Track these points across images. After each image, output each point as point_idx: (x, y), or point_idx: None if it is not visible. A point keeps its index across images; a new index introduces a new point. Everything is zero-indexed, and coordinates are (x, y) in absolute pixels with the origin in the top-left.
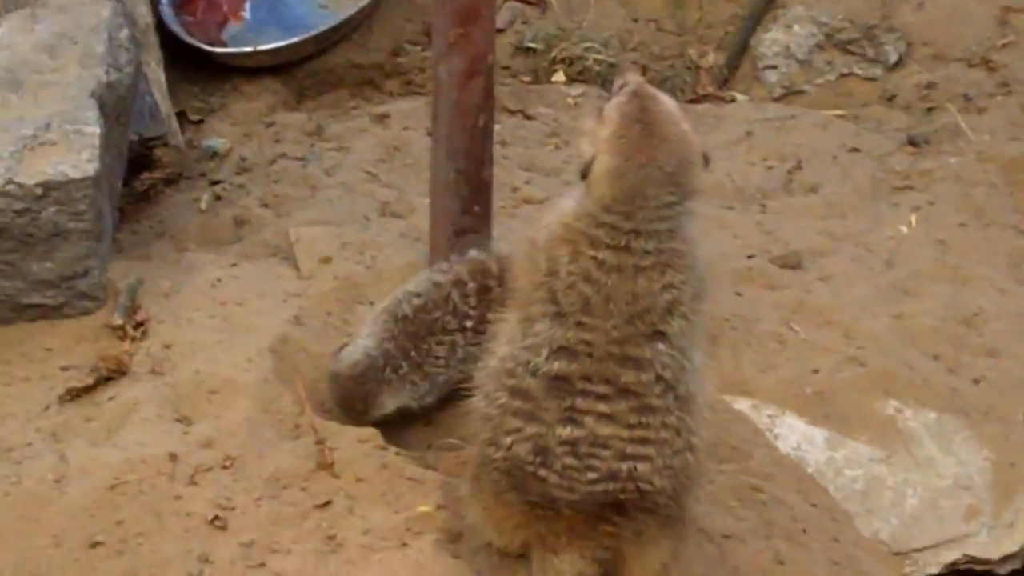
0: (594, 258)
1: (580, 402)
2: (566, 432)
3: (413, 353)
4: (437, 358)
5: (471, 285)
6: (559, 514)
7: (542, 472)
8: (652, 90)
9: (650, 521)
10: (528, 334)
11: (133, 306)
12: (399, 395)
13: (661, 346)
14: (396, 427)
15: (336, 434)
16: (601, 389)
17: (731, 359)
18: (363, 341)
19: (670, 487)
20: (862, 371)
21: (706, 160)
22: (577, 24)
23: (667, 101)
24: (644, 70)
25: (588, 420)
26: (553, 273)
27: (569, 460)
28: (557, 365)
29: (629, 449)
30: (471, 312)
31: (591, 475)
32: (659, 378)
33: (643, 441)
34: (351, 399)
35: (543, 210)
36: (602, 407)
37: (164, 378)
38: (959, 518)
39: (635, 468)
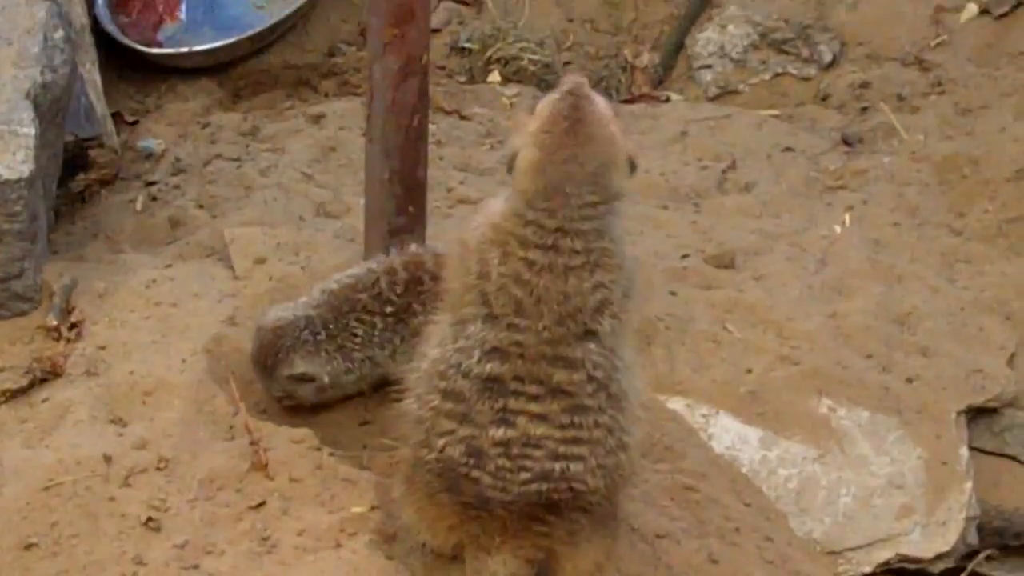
0: (524, 259)
1: (512, 403)
2: (499, 433)
3: (332, 325)
4: (354, 335)
5: (402, 274)
6: (492, 515)
7: (475, 473)
8: (588, 91)
9: (583, 520)
10: (460, 336)
11: (68, 307)
12: (310, 361)
13: (592, 346)
14: (331, 428)
15: (271, 434)
16: (533, 390)
17: (665, 359)
18: (293, 304)
19: (603, 486)
20: (796, 370)
21: (632, 166)
22: (512, 24)
23: (600, 103)
24: (581, 70)
25: (521, 421)
26: (484, 276)
27: (502, 461)
28: (489, 367)
29: (562, 449)
30: (395, 299)
31: (524, 475)
32: (591, 378)
33: (576, 441)
34: (264, 351)
35: (476, 211)
36: (534, 407)
37: (98, 379)
38: (892, 517)
39: (568, 468)
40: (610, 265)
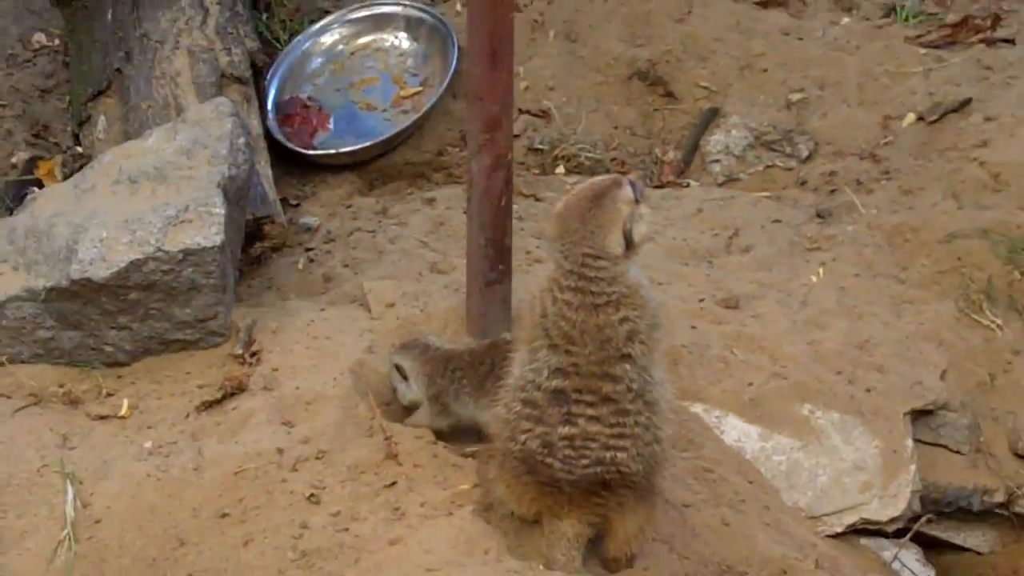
0: (563, 300)
1: (574, 408)
2: (565, 431)
3: (436, 354)
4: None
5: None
6: (561, 491)
7: (548, 460)
8: (626, 182)
9: (629, 495)
10: (533, 360)
11: (250, 341)
12: (410, 359)
13: (628, 366)
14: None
15: (399, 433)
16: (589, 398)
17: (688, 375)
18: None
19: (642, 470)
20: (784, 383)
21: (629, 239)
22: (573, 131)
23: (625, 190)
24: (623, 163)
25: (581, 421)
26: (544, 315)
27: (568, 451)
28: (555, 382)
29: (611, 442)
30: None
31: (584, 462)
32: (630, 389)
33: (621, 436)
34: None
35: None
36: (590, 411)
37: (272, 393)
38: (857, 491)
39: (616, 456)
40: (632, 303)
